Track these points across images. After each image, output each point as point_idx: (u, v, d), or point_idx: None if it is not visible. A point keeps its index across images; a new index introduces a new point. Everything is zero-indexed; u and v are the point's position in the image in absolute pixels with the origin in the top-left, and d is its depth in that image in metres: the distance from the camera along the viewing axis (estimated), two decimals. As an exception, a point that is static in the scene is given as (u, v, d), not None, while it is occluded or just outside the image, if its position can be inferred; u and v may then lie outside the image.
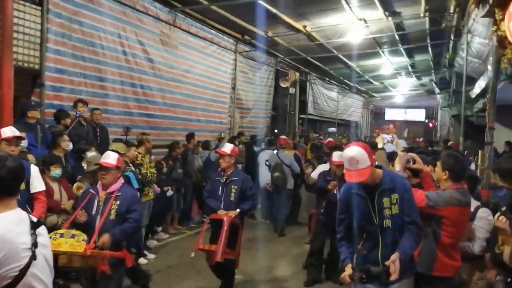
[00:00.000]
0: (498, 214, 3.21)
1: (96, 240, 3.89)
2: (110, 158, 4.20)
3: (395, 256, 3.03)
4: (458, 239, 3.61)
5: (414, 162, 3.76)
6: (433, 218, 3.43)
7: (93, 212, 4.12)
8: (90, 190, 4.35)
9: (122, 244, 4.17)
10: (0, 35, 5.92)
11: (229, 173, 5.36)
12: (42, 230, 2.23)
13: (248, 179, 5.55)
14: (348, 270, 3.19)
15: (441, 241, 3.45)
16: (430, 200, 3.38)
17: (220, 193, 5.32)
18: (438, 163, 3.66)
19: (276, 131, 15.88)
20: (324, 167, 6.75)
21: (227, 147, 5.43)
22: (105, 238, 3.91)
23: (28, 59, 6.64)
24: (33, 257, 2.09)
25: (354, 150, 3.11)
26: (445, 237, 3.44)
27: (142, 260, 6.63)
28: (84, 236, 3.80)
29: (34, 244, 2.11)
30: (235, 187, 5.28)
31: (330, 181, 5.80)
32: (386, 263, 3.04)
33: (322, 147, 11.62)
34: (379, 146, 7.62)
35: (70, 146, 5.84)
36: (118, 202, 4.12)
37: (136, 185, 5.86)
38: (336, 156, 5.72)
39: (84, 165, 5.94)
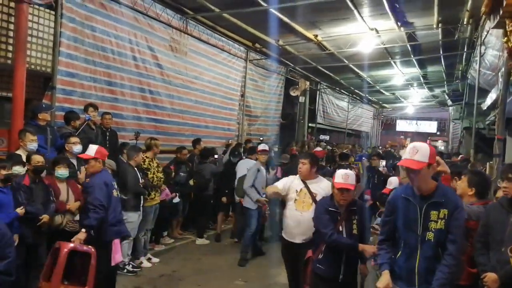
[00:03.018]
0: None
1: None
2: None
3: None
4: None
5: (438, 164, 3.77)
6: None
7: None
8: None
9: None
10: (14, 38, 6.04)
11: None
12: None
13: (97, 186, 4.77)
14: (385, 278, 3.21)
15: (466, 252, 3.51)
16: (465, 213, 3.40)
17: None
18: (464, 179, 3.77)
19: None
20: (324, 188, 4.73)
21: (91, 149, 4.90)
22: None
23: (41, 63, 6.73)
24: None
25: (420, 143, 3.21)
26: (470, 248, 3.52)
27: (146, 264, 6.65)
28: None
29: None
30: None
31: (332, 213, 4.03)
32: None
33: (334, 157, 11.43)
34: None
35: (76, 148, 5.69)
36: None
37: None
38: (339, 175, 3.99)
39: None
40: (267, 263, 7.22)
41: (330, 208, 4.05)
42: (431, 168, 3.12)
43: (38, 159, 4.90)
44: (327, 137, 18.72)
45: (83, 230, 4.65)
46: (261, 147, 7.70)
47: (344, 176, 3.97)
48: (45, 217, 4.71)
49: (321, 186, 4.74)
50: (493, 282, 3.22)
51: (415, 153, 3.06)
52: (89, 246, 4.49)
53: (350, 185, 3.94)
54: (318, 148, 9.39)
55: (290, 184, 4.85)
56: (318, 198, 4.58)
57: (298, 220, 4.67)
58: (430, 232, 3.11)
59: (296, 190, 4.76)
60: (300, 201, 4.70)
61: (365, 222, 4.22)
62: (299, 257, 4.58)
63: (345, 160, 9.29)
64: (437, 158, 3.76)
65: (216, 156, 9.16)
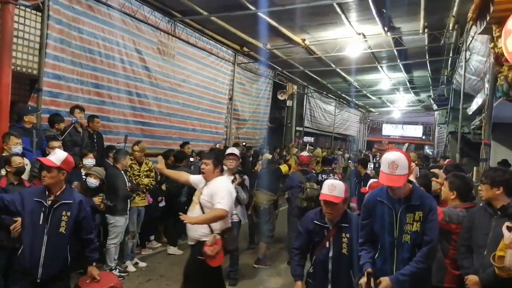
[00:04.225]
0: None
1: None
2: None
3: (385, 282, 3.13)
4: None
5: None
6: (444, 232, 3.52)
7: None
8: None
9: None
10: (0, 39, 5.94)
11: (57, 193, 3.64)
12: None
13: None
14: (365, 277, 3.22)
15: (449, 255, 3.59)
16: (446, 216, 3.53)
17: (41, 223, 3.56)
18: (445, 183, 3.83)
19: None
20: (212, 187, 4.31)
21: (58, 156, 3.65)
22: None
23: (27, 64, 6.64)
24: None
25: (396, 155, 3.16)
26: (452, 251, 3.58)
27: (131, 268, 6.56)
28: None
29: None
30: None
31: (318, 227, 3.57)
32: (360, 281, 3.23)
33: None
34: None
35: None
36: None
37: None
38: (326, 186, 3.50)
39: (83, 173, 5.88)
40: (256, 270, 7.19)
41: (316, 222, 3.58)
42: (410, 173, 3.24)
43: (18, 160, 4.77)
44: (311, 139, 18.25)
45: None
46: (229, 150, 6.17)
47: (330, 187, 3.44)
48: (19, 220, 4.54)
49: (210, 186, 4.33)
50: (474, 285, 3.26)
51: (396, 168, 3.09)
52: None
53: (336, 197, 3.41)
54: (304, 153, 8.56)
55: (199, 183, 4.57)
56: (202, 198, 4.28)
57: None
58: (407, 235, 3.19)
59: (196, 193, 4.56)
60: (194, 203, 4.44)
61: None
62: (193, 257, 4.38)
63: (328, 165, 8.56)
64: (436, 171, 3.87)
65: (192, 160, 8.67)
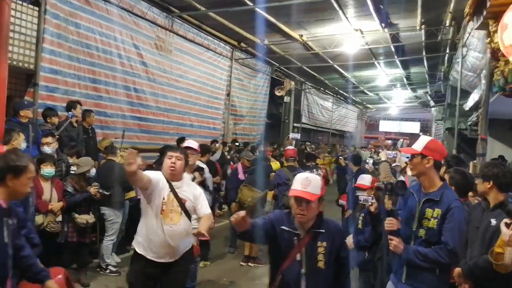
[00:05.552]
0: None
1: None
2: None
3: (401, 244, 3.09)
4: None
5: None
6: None
7: None
8: None
9: None
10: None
11: None
12: None
13: None
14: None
15: None
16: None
17: None
18: (446, 177, 3.79)
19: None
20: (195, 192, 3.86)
21: None
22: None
23: (23, 59, 6.63)
24: None
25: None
26: None
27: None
28: None
29: None
30: None
31: (288, 234, 2.73)
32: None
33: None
34: (382, 159, 7.53)
35: (48, 149, 5.52)
36: None
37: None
38: (298, 180, 2.75)
39: (73, 167, 5.83)
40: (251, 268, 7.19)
41: (283, 227, 2.74)
42: (425, 161, 3.11)
43: None
44: (297, 136, 17.45)
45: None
46: (186, 143, 5.16)
47: (304, 181, 2.68)
48: None
49: (189, 187, 3.83)
50: (458, 276, 3.29)
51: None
52: None
53: (310, 194, 2.64)
54: (290, 147, 8.28)
55: (159, 183, 3.67)
56: (188, 204, 3.69)
57: (170, 236, 3.58)
58: (423, 229, 3.09)
59: (163, 198, 3.64)
60: (168, 212, 3.62)
61: (342, 254, 2.82)
62: (168, 277, 3.71)
63: (312, 160, 8.10)
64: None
65: None
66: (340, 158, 11.40)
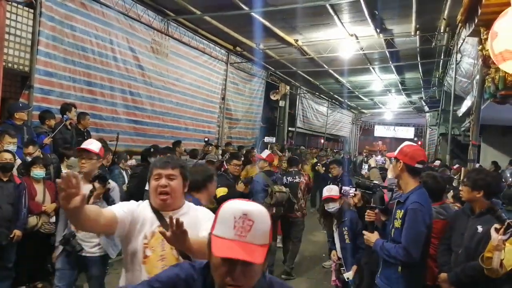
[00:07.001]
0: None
1: None
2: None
3: (373, 237, 3.33)
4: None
5: None
6: None
7: None
8: None
9: None
10: (-9, 36, 5.93)
11: None
12: None
13: None
14: None
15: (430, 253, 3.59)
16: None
17: None
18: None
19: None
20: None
21: None
22: None
23: (18, 61, 6.62)
24: None
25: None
26: (432, 249, 3.55)
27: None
28: None
29: None
30: None
31: None
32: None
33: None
34: (372, 165, 7.55)
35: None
36: None
37: None
38: (226, 220, 1.37)
39: (64, 169, 5.75)
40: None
41: None
42: (398, 164, 3.24)
43: (5, 156, 4.72)
44: (272, 139, 16.12)
45: None
46: (84, 144, 4.05)
47: (240, 221, 1.36)
48: (16, 233, 4.64)
49: (195, 217, 2.37)
50: (443, 281, 3.35)
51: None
52: None
53: (252, 248, 1.35)
54: (266, 151, 7.21)
55: (138, 217, 2.34)
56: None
57: None
58: (393, 229, 3.26)
59: (146, 235, 2.32)
60: (154, 260, 2.30)
61: None
62: None
63: (295, 165, 7.30)
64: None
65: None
66: (318, 165, 11.15)
